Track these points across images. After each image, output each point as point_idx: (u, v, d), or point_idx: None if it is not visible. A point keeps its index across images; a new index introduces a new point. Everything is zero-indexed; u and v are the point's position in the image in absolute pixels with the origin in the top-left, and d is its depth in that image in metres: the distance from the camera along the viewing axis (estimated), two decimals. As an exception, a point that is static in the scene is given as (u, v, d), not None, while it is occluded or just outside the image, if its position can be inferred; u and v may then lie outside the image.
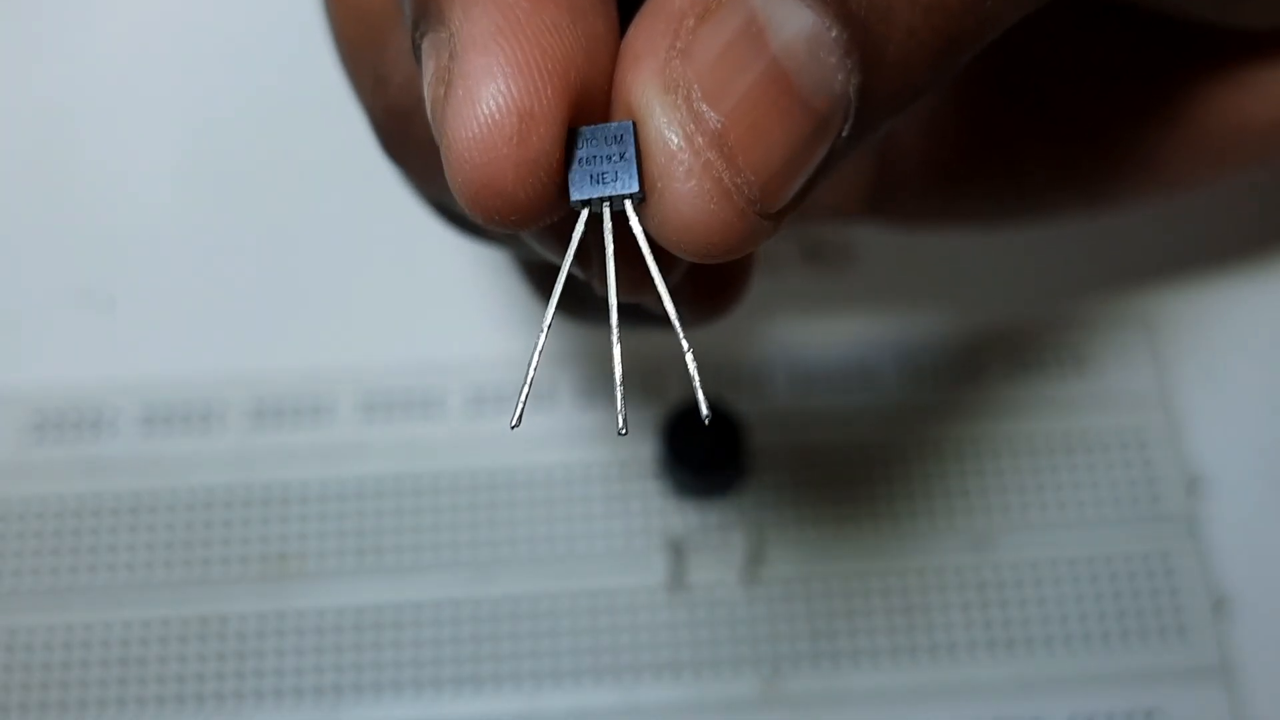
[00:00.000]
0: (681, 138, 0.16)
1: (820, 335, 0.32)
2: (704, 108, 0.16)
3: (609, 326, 0.17)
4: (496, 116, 0.15)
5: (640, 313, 0.21)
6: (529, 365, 0.16)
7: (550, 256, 0.19)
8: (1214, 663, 0.28)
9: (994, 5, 0.17)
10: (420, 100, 0.17)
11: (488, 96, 0.15)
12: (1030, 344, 0.31)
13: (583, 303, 0.22)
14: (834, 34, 0.16)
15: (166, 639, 0.29)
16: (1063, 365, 0.31)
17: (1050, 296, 0.32)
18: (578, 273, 0.19)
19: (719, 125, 0.16)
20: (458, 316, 0.32)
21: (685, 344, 0.16)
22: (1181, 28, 0.25)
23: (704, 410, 0.16)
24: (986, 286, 0.32)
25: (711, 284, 0.22)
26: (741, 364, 0.31)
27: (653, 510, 0.30)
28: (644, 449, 0.30)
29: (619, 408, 0.16)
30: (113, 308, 0.32)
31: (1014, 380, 0.31)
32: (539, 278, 0.25)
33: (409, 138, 0.21)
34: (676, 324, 0.16)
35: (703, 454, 0.29)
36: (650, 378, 0.31)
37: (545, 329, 0.16)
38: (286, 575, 0.29)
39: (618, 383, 0.16)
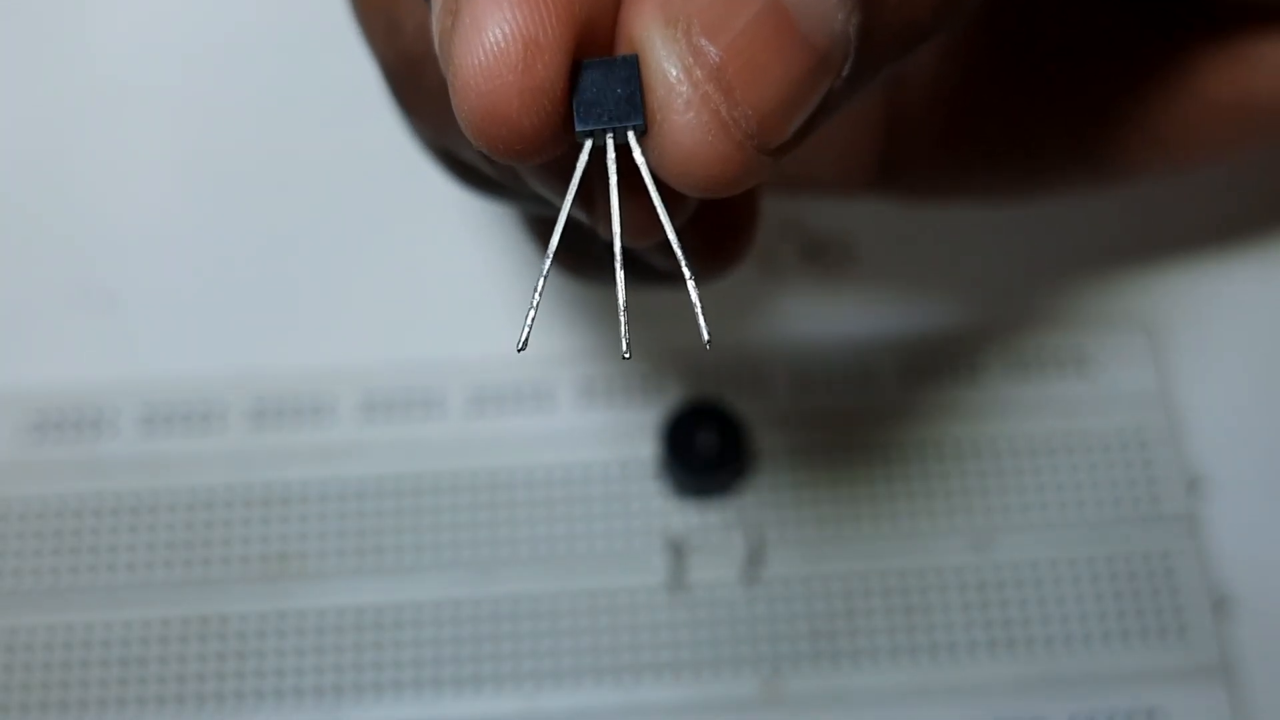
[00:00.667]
0: (681, 70, 0.16)
1: (820, 335, 0.32)
2: (703, 41, 0.16)
3: (613, 256, 0.17)
4: (502, 44, 0.16)
5: (644, 269, 0.21)
6: (535, 290, 0.17)
7: (554, 198, 0.19)
8: (1214, 663, 0.28)
9: None
10: (432, 47, 0.17)
11: (493, 25, 0.16)
12: (1030, 344, 0.31)
13: (585, 256, 0.22)
14: None
15: (166, 639, 0.29)
16: (1063, 365, 0.31)
17: (1050, 297, 0.32)
18: (582, 217, 0.19)
19: (717, 59, 0.16)
20: (458, 316, 0.32)
21: (687, 271, 0.17)
22: (1185, 1, 0.25)
23: (705, 336, 0.17)
24: (986, 287, 0.32)
25: (716, 234, 0.22)
26: (741, 364, 0.31)
27: (653, 510, 0.30)
28: (644, 449, 0.30)
29: (623, 332, 0.17)
30: (113, 307, 0.32)
31: (1014, 380, 0.31)
32: (546, 234, 0.25)
33: (420, 85, 0.21)
34: (678, 249, 0.17)
35: (703, 454, 0.29)
36: (650, 378, 0.31)
37: (549, 257, 0.17)
38: (286, 575, 0.29)
39: (621, 307, 0.17)
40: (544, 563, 0.29)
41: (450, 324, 0.32)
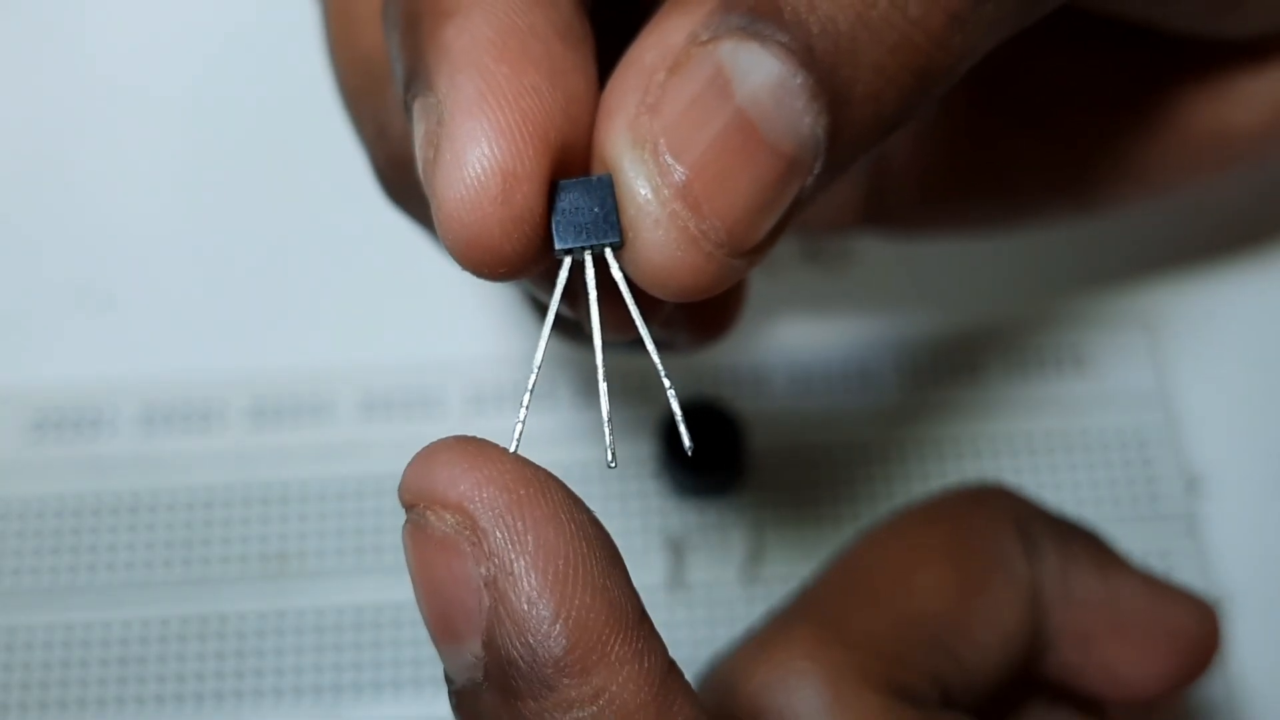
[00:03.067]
0: (650, 190, 0.17)
1: (819, 335, 0.32)
2: (669, 160, 0.17)
3: (596, 366, 0.18)
4: (482, 178, 0.16)
5: (634, 342, 0.22)
6: (522, 405, 0.17)
7: (542, 298, 0.20)
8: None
9: (964, 39, 0.17)
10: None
11: (473, 160, 0.16)
12: (1030, 344, 0.31)
13: (581, 331, 0.23)
14: (799, 80, 0.16)
15: (166, 638, 0.29)
16: (1062, 365, 0.31)
17: (1050, 296, 0.32)
18: (568, 313, 0.20)
19: (684, 177, 0.16)
20: (458, 316, 0.32)
21: (666, 382, 0.17)
22: (1164, 38, 0.25)
23: (687, 443, 0.17)
24: (986, 287, 0.32)
25: (704, 312, 0.23)
26: (741, 364, 0.31)
27: (652, 510, 0.30)
28: (644, 449, 0.30)
29: (608, 442, 0.17)
30: (112, 307, 0.32)
31: (1014, 380, 0.31)
32: (541, 310, 0.25)
33: (410, 186, 0.21)
34: (657, 362, 0.17)
35: (702, 454, 0.29)
36: (649, 378, 0.31)
37: (536, 370, 0.17)
38: (286, 574, 0.29)
39: (605, 419, 0.17)
40: (543, 562, 0.29)
41: (450, 324, 0.32)
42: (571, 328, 0.21)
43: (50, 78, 0.35)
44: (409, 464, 0.17)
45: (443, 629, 0.16)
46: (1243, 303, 0.32)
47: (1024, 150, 0.27)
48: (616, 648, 0.16)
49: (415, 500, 0.16)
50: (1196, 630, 0.23)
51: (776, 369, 0.31)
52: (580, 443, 0.30)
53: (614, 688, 0.15)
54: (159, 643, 0.29)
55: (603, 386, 0.17)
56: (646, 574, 0.29)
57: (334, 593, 0.29)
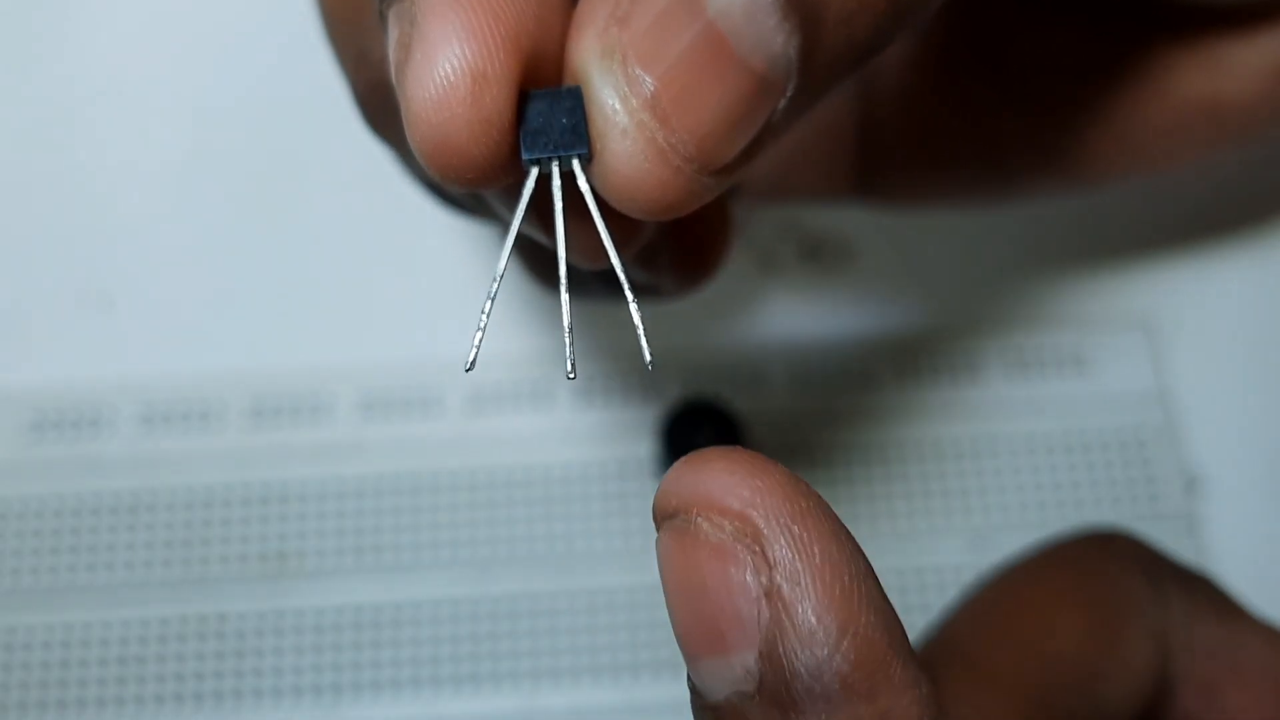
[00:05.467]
0: (618, 100, 0.16)
1: (819, 334, 0.32)
2: (638, 71, 0.16)
3: (559, 280, 0.17)
4: (452, 78, 0.16)
5: (614, 285, 0.22)
6: (482, 312, 0.17)
7: (509, 218, 0.19)
8: (1213, 662, 0.28)
9: None
10: None
11: (443, 60, 0.16)
12: (1030, 344, 0.31)
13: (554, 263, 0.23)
14: None
15: (166, 639, 0.29)
16: (1062, 365, 0.31)
17: (1050, 297, 0.32)
18: (541, 238, 0.19)
19: (652, 88, 0.16)
20: (458, 316, 0.32)
21: (630, 295, 0.17)
22: (1153, 5, 0.25)
23: (647, 357, 0.17)
24: (986, 287, 0.32)
25: (688, 250, 0.22)
26: (740, 362, 0.31)
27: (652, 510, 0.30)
28: (644, 449, 0.30)
29: (568, 354, 0.17)
30: (112, 308, 0.32)
31: (1013, 380, 0.31)
32: (530, 256, 0.25)
33: (387, 111, 0.21)
34: (622, 277, 0.17)
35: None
36: (649, 378, 0.31)
37: (497, 279, 0.17)
38: (286, 574, 0.29)
39: (566, 329, 0.17)
40: (543, 562, 0.29)
41: (450, 324, 0.32)
42: (547, 260, 0.21)
43: (50, 78, 0.35)
44: (672, 471, 0.16)
45: (709, 639, 0.16)
46: (1242, 303, 0.32)
47: (1011, 120, 0.27)
48: (899, 671, 0.15)
49: (685, 506, 0.16)
50: None
51: (775, 368, 0.31)
52: (580, 443, 0.30)
53: (898, 712, 0.15)
54: (158, 643, 0.29)
55: (565, 298, 0.17)
56: (646, 574, 0.29)
57: (334, 593, 0.29)
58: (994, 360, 0.31)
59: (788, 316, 0.32)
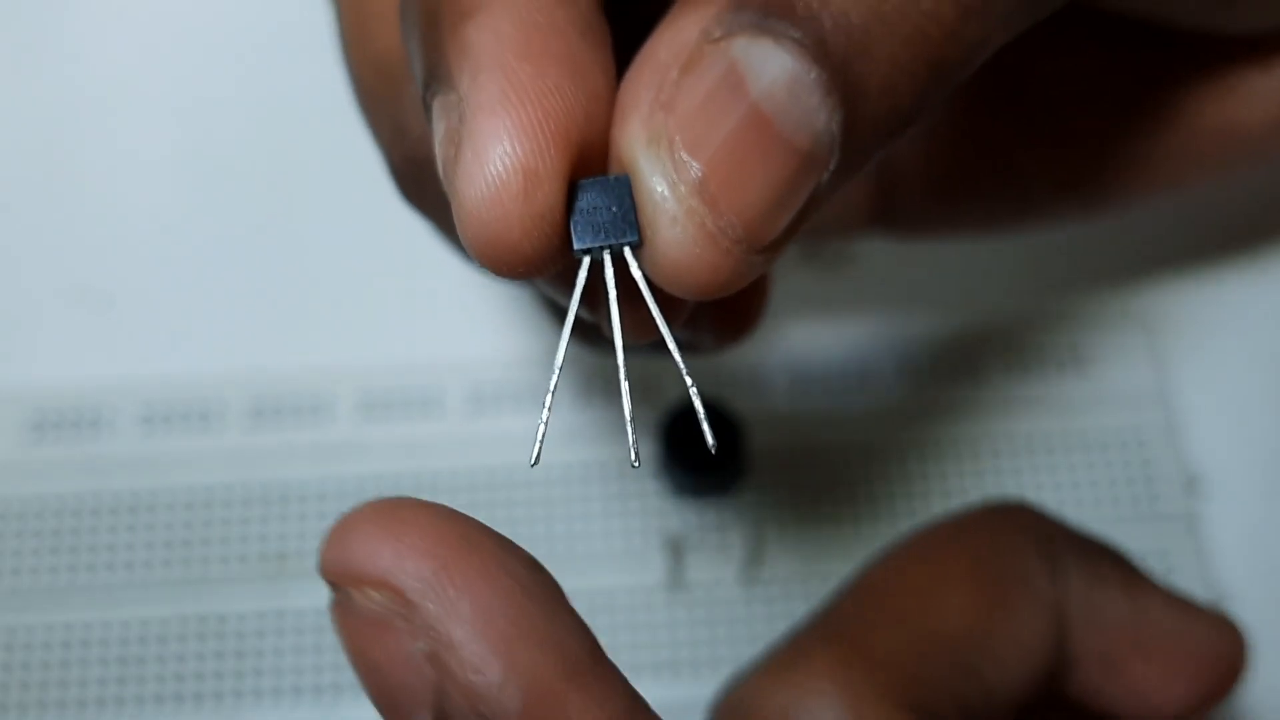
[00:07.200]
0: (666, 187, 0.17)
1: (820, 336, 0.32)
2: (685, 157, 0.16)
3: (618, 367, 0.17)
4: (504, 176, 0.16)
5: (656, 344, 0.22)
6: (544, 406, 0.17)
7: (560, 300, 0.20)
8: (1213, 662, 0.28)
9: (977, 31, 0.17)
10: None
11: (495, 158, 0.16)
12: (1030, 344, 0.31)
13: (599, 333, 0.23)
14: (814, 75, 0.16)
15: (166, 638, 0.29)
16: (1062, 365, 0.31)
17: (1050, 296, 0.32)
18: (586, 315, 0.20)
19: (700, 174, 0.16)
20: (458, 316, 0.32)
21: (689, 380, 0.17)
22: (1172, 35, 0.25)
23: (710, 441, 0.17)
24: (986, 286, 0.32)
25: (727, 311, 0.23)
26: (741, 364, 0.31)
27: (652, 510, 0.30)
28: (644, 449, 0.30)
29: (631, 441, 0.17)
30: (112, 307, 0.32)
31: (1014, 380, 0.31)
32: (558, 314, 0.25)
33: (426, 186, 0.21)
34: (679, 361, 0.17)
35: (702, 454, 0.29)
36: (649, 378, 0.31)
37: (557, 370, 0.17)
38: (286, 575, 0.29)
39: (628, 419, 0.17)
40: (543, 562, 0.29)
41: (450, 324, 0.32)
42: (590, 331, 0.21)
43: (50, 78, 0.35)
44: (325, 539, 0.16)
45: (389, 710, 0.16)
46: (1243, 303, 0.32)
47: (1031, 152, 0.27)
48: (574, 698, 0.15)
49: (337, 580, 0.16)
50: (1222, 651, 0.23)
51: (777, 369, 0.31)
52: (580, 443, 0.30)
53: None
54: (158, 643, 0.29)
55: (625, 387, 0.17)
56: (646, 574, 0.29)
57: (333, 593, 0.29)
58: (994, 360, 0.31)
59: (789, 318, 0.32)
